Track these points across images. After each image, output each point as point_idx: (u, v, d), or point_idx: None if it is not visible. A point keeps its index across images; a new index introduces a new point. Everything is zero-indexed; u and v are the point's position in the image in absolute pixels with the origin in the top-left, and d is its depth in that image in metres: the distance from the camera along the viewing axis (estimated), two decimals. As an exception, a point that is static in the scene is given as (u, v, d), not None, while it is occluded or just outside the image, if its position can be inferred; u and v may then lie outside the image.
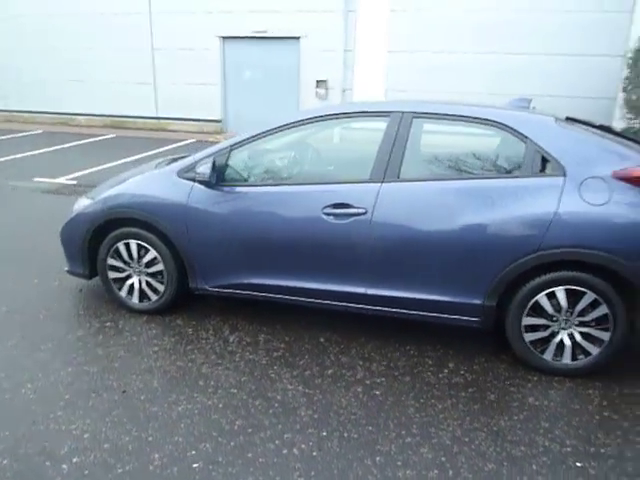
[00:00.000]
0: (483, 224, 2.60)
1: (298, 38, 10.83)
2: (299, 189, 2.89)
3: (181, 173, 3.07)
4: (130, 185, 3.24)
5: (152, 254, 3.16)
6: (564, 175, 2.55)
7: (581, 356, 2.65)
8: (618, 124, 9.38)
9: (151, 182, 3.19)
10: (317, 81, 10.94)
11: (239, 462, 2.06)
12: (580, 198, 2.50)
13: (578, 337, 2.62)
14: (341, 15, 10.50)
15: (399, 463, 2.07)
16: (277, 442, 2.18)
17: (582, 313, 2.58)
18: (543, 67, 10.37)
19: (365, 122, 2.93)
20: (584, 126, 2.85)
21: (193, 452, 2.11)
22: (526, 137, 2.64)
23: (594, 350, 2.61)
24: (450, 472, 2.03)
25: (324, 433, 2.24)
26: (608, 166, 2.53)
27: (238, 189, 2.96)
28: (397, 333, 3.10)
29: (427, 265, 2.74)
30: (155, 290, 3.23)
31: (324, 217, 2.80)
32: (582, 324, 2.61)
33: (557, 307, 2.60)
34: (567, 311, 2.59)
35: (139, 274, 3.25)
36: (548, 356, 2.69)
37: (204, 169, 2.84)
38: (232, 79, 11.61)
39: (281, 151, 3.12)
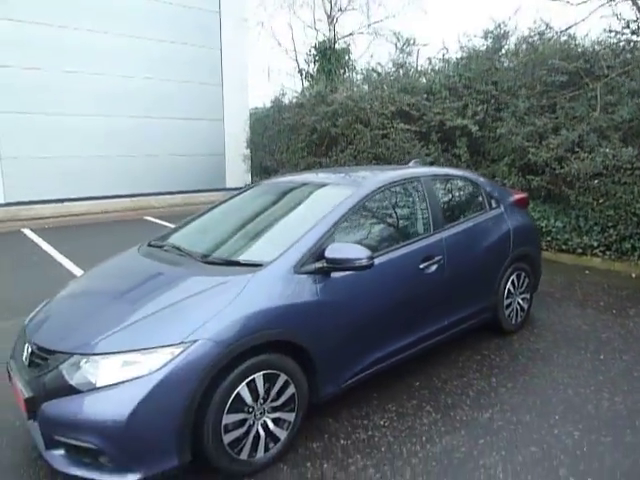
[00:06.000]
0: (492, 242, 3.79)
1: None
2: (401, 252, 3.11)
3: (297, 268, 2.61)
4: (244, 302, 2.40)
5: (282, 379, 2.50)
6: (499, 206, 4.06)
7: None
8: (244, 177, 11.61)
9: (272, 289, 2.52)
10: None
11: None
12: (511, 218, 4.08)
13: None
14: None
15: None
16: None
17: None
18: (163, 130, 11.29)
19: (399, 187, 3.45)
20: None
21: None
22: (479, 186, 3.98)
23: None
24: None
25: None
26: (509, 197, 4.23)
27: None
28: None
29: (473, 285, 3.65)
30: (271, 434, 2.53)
31: (421, 271, 3.19)
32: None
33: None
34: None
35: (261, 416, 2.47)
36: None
37: (358, 253, 2.61)
38: None
39: (367, 219, 3.12)
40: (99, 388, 2.14)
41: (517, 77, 7.39)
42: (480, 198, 3.98)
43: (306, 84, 11.85)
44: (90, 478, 2.19)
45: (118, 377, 2.16)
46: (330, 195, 3.21)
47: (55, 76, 9.59)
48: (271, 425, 2.49)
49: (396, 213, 3.39)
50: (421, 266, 3.20)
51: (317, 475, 2.46)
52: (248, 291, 2.46)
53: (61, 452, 2.25)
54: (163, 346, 2.20)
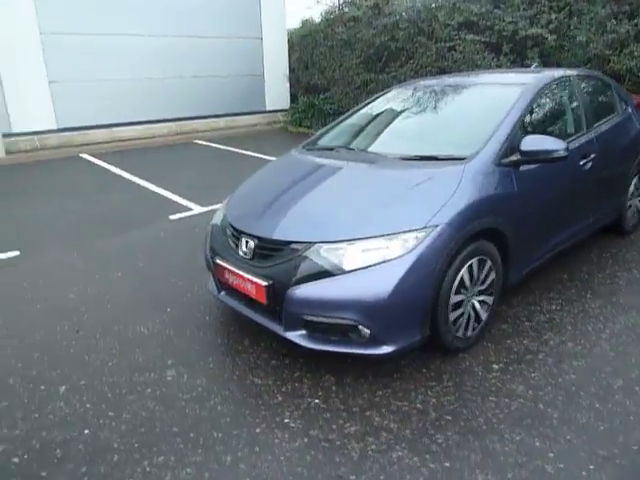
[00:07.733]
0: (627, 142, 3.92)
1: None
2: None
3: (497, 161, 2.72)
4: (464, 192, 2.54)
5: (488, 265, 2.69)
6: (628, 108, 4.10)
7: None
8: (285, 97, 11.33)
9: (481, 180, 2.64)
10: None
11: None
12: (638, 119, 4.13)
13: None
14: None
15: None
16: None
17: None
18: (201, 49, 10.80)
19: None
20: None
21: None
22: (611, 87, 4.01)
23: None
24: None
25: None
26: (632, 100, 4.26)
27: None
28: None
29: (612, 184, 3.79)
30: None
31: (580, 168, 3.31)
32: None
33: None
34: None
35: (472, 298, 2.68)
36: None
37: (555, 144, 2.72)
38: None
39: (535, 117, 3.19)
40: (353, 270, 2.31)
41: (595, -20, 7.09)
42: (613, 99, 4.02)
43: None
44: (340, 351, 2.42)
45: (365, 261, 2.32)
46: (498, 94, 3.26)
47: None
48: (477, 306, 2.71)
49: (558, 111, 3.46)
50: (581, 163, 3.31)
51: (521, 349, 2.72)
52: (465, 182, 2.58)
53: (302, 332, 2.46)
54: (409, 231, 2.35)
